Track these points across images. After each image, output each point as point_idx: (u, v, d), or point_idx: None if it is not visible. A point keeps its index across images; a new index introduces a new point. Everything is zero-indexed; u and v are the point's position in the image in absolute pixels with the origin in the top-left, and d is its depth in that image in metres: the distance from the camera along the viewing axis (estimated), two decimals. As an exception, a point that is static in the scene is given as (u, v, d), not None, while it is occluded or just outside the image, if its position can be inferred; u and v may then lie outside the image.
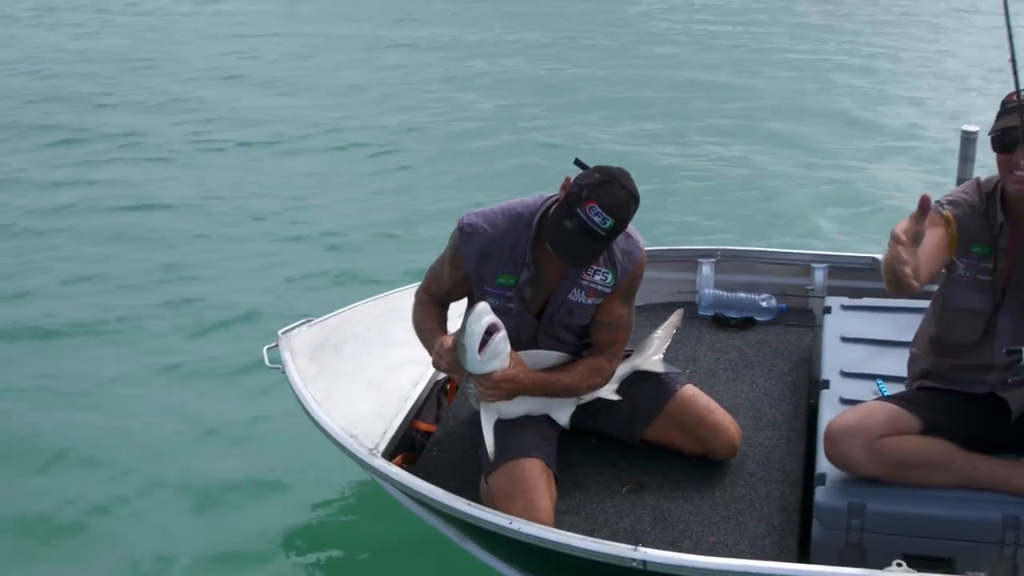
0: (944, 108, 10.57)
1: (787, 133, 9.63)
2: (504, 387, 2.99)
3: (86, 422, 4.71)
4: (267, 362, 3.72)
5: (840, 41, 14.14)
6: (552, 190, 3.18)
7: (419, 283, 3.44)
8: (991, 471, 2.80)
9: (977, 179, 3.03)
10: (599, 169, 2.99)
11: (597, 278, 3.15)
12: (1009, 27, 2.75)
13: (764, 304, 4.16)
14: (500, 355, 2.93)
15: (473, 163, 8.87)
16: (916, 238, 2.44)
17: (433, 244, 4.34)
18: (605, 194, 2.89)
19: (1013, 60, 2.73)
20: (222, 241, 7.12)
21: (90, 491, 4.19)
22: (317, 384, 3.54)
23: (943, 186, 5.99)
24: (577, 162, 3.11)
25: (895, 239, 2.43)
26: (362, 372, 3.67)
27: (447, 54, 13.67)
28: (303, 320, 3.93)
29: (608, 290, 3.17)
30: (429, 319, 3.29)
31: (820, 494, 2.88)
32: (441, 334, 3.20)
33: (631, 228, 3.15)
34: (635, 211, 2.99)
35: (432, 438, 3.51)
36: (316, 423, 3.39)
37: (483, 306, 2.90)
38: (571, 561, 2.81)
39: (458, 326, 3.00)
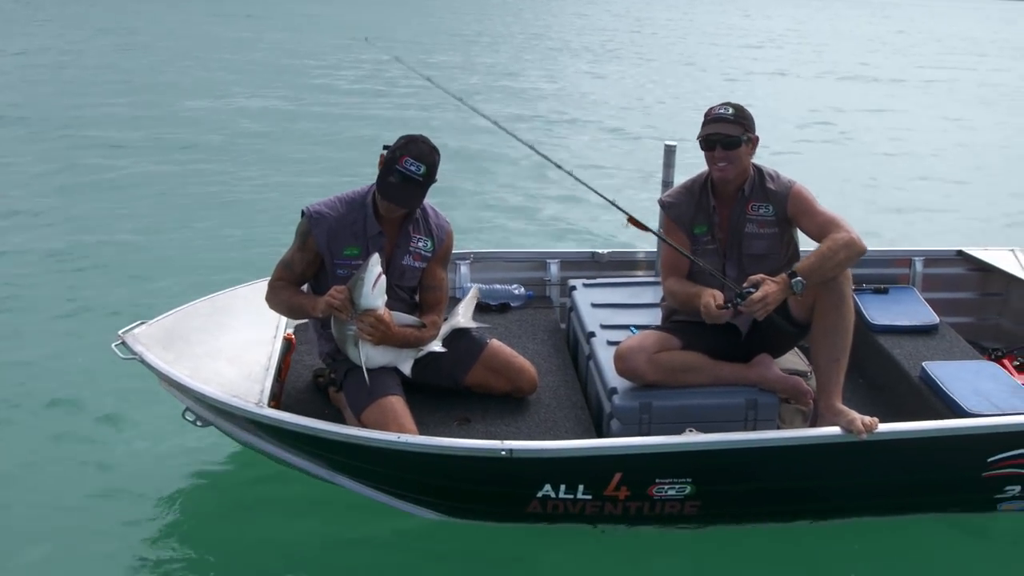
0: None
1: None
2: (379, 328, 3.67)
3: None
4: (120, 355, 3.97)
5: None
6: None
7: (235, 287, 4.32)
8: (732, 371, 3.89)
9: (690, 180, 4.12)
10: (403, 136, 3.81)
11: (420, 244, 3.95)
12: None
13: (516, 292, 5.11)
14: (382, 294, 3.65)
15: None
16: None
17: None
18: (413, 149, 3.74)
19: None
20: None
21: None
22: (181, 365, 3.90)
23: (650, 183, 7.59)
24: (385, 146, 3.87)
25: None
26: (218, 353, 4.04)
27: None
28: (137, 322, 4.16)
29: (429, 255, 3.97)
30: (295, 292, 3.89)
31: (617, 399, 3.81)
32: (312, 295, 3.85)
33: (439, 210, 4.01)
34: (439, 160, 3.80)
35: (282, 404, 4.02)
36: (196, 393, 3.75)
37: (375, 256, 3.61)
38: (440, 469, 3.52)
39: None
